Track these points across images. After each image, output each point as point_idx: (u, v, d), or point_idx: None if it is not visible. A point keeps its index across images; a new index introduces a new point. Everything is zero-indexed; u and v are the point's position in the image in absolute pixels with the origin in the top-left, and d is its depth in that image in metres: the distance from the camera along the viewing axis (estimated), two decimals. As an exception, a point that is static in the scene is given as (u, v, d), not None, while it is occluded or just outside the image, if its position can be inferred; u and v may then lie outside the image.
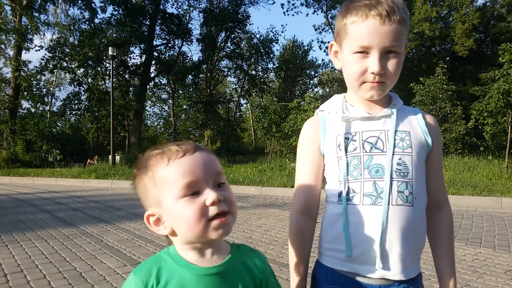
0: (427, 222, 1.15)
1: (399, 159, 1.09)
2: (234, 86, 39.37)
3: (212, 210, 0.83)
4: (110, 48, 17.95)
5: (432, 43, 25.51)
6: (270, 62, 34.16)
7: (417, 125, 1.15)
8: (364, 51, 1.07)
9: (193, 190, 0.84)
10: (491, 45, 24.90)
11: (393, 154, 1.09)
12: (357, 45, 1.07)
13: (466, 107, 16.70)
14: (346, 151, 1.12)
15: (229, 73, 35.52)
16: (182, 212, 0.84)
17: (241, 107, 42.92)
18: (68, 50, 26.05)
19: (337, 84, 33.79)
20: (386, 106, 1.16)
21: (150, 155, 0.90)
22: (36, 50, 25.79)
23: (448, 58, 25.37)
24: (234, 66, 33.89)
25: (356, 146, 1.11)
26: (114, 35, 26.17)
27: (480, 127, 15.15)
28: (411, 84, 14.60)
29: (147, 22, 28.06)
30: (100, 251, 4.41)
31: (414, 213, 1.07)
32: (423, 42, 25.09)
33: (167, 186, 0.85)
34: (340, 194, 1.11)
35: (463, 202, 7.34)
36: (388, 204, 1.05)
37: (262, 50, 32.52)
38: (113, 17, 26.73)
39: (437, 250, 1.16)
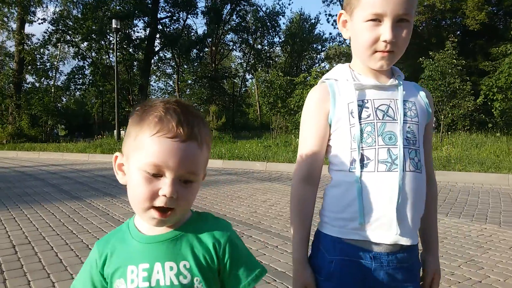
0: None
1: (409, 127, 1.11)
2: (240, 60, 39.02)
3: (159, 201, 0.82)
4: (113, 21, 17.71)
5: (443, 16, 24.90)
6: (276, 36, 33.70)
7: (419, 97, 1.18)
8: (377, 19, 1.06)
9: (154, 172, 0.81)
10: (504, 18, 24.27)
11: (404, 123, 1.11)
12: (370, 13, 1.06)
13: (475, 82, 16.44)
14: (360, 118, 1.11)
15: (234, 47, 35.14)
16: (136, 184, 0.83)
17: (247, 82, 42.58)
18: (71, 23, 25.73)
19: (344, 58, 33.31)
20: (391, 77, 1.17)
21: (154, 109, 0.85)
22: (39, 23, 25.68)
23: (458, 32, 24.80)
24: (240, 40, 33.48)
25: (369, 113, 1.11)
26: (117, 7, 25.78)
27: (489, 103, 14.96)
28: (420, 58, 14.32)
29: (151, -6, 27.58)
30: (106, 224, 4.44)
31: (422, 179, 1.11)
32: (434, 16, 24.51)
33: (139, 152, 0.83)
34: (353, 162, 1.10)
35: (469, 179, 7.30)
36: (404, 171, 1.07)
37: (268, 24, 32.02)
38: (117, -12, 26.28)
39: (425, 216, 1.18)
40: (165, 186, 0.81)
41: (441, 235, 3.98)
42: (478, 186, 6.93)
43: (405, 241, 1.08)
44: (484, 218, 4.68)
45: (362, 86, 1.14)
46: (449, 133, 13.84)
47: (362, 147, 1.10)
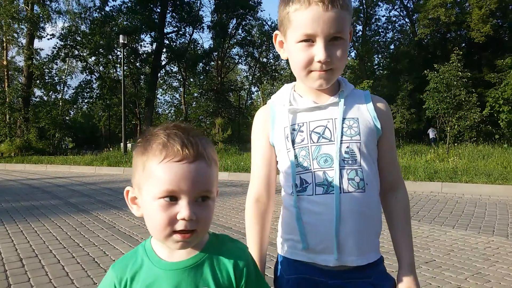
0: (382, 204, 1.16)
1: (347, 147, 1.08)
2: (245, 73, 39.25)
3: (180, 225, 0.82)
4: (121, 36, 17.98)
5: (448, 29, 25.03)
6: (282, 50, 33.86)
7: (365, 111, 1.13)
8: (309, 40, 1.04)
9: (171, 196, 0.82)
10: (509, 30, 24.33)
11: (341, 143, 1.08)
12: (301, 34, 1.04)
13: (481, 94, 16.43)
14: (293, 142, 1.11)
15: (240, 60, 35.39)
16: (154, 213, 0.83)
17: (252, 95, 42.81)
18: (79, 38, 26.16)
19: (349, 71, 33.44)
20: (335, 92, 1.14)
21: (156, 137, 0.86)
22: (48, 39, 25.95)
23: (463, 45, 24.87)
24: (245, 53, 33.74)
25: (303, 137, 1.10)
26: (125, 22, 26.20)
27: (495, 114, 14.92)
28: (425, 71, 14.34)
29: (158, 10, 27.97)
30: (112, 237, 4.46)
31: (367, 199, 1.07)
32: (438, 28, 24.65)
33: (151, 182, 0.83)
34: (293, 185, 1.10)
35: (476, 191, 7.25)
36: (340, 192, 1.05)
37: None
38: (124, 4, 26.74)
39: (394, 230, 1.15)
40: (182, 209, 0.81)
41: (448, 247, 3.95)
42: (485, 198, 6.88)
43: (351, 263, 1.05)
44: (491, 230, 4.63)
45: (296, 110, 1.13)
46: (456, 144, 13.78)
47: (299, 171, 1.09)
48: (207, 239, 0.93)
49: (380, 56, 34.52)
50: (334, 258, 1.05)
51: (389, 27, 32.54)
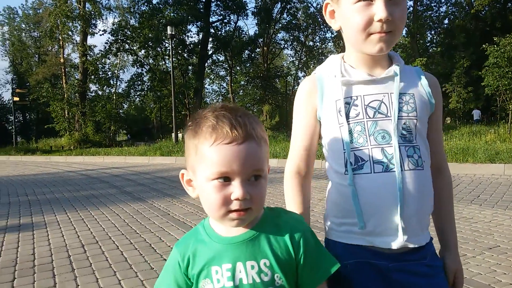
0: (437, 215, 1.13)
1: (404, 123, 1.03)
2: (292, 58, 38.85)
3: (234, 204, 0.84)
4: (168, 27, 18.35)
5: (508, -2, 23.30)
6: (328, 31, 33.12)
7: (421, 87, 1.08)
8: None
9: (224, 177, 0.84)
10: None
11: (398, 119, 1.02)
12: None
13: (547, 67, 15.17)
14: (348, 117, 1.04)
15: (285, 45, 35.04)
16: (208, 194, 0.86)
17: (299, 80, 42.30)
18: (129, 33, 27.01)
19: (400, 50, 32.12)
20: (388, 66, 1.08)
21: (205, 120, 0.87)
22: (100, 35, 27.17)
23: (526, 14, 23.08)
24: (291, 38, 33.35)
25: (358, 112, 1.04)
26: (171, 14, 26.66)
27: None
28: (483, 45, 13.45)
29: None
30: (167, 223, 4.59)
31: (425, 176, 1.03)
32: (497, -2, 22.98)
33: (204, 164, 0.85)
34: (346, 163, 1.03)
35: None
36: (402, 170, 1.00)
37: (319, 19, 31.57)
38: (170, -4, 27.19)
39: (439, 211, 1.12)
40: (236, 189, 0.83)
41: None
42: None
43: (414, 243, 1.01)
44: None
45: (350, 82, 1.06)
46: (519, 123, 12.88)
47: (355, 148, 1.03)
48: (262, 213, 0.94)
49: (433, 32, 32.78)
50: (398, 240, 0.99)
51: (443, 0, 30.80)
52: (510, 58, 12.33)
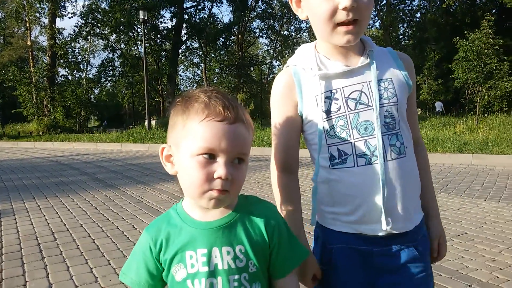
0: None
1: (386, 111, 1.02)
2: (266, 47, 38.74)
3: (216, 183, 0.83)
4: (141, 12, 17.90)
5: (477, -6, 23.88)
6: (303, 21, 33.14)
7: (397, 69, 1.06)
8: None
9: (210, 154, 0.84)
10: (543, -6, 22.99)
11: (380, 107, 1.01)
12: None
13: (513, 62, 15.70)
14: (329, 112, 1.02)
15: (260, 34, 34.87)
16: (191, 170, 0.85)
17: (274, 69, 42.28)
18: (100, 16, 26.20)
19: (373, 42, 32.46)
20: (362, 52, 1.06)
21: (197, 98, 0.87)
22: (69, 17, 26.11)
23: (494, 11, 23.72)
24: (266, 26, 33.23)
25: (339, 105, 1.02)
26: (144, -2, 26.00)
27: (528, 83, 14.26)
28: (454, 39, 13.77)
29: (177, -16, 27.65)
30: (140, 211, 4.52)
31: (408, 162, 1.03)
32: (467, -6, 23.53)
33: (191, 138, 0.85)
34: (331, 158, 1.03)
35: (508, 162, 7.01)
36: (384, 161, 1.00)
37: (294, 9, 31.54)
38: (143, -21, 26.49)
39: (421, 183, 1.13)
40: (219, 168, 0.83)
41: (480, 220, 3.84)
42: (518, 170, 6.65)
43: (400, 229, 1.02)
44: (525, 203, 4.48)
45: (327, 75, 1.03)
46: (486, 115, 13.33)
47: (338, 142, 1.02)
48: (237, 200, 0.94)
49: (405, 25, 33.33)
50: (383, 228, 1.00)
51: (415, -6, 31.31)
52: (479, 52, 12.70)
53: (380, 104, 1.01)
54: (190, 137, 0.85)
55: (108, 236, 3.62)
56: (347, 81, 1.03)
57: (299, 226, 1.08)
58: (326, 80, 1.03)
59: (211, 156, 0.84)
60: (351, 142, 1.01)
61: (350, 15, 0.95)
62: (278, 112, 1.10)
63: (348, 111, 1.01)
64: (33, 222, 4.15)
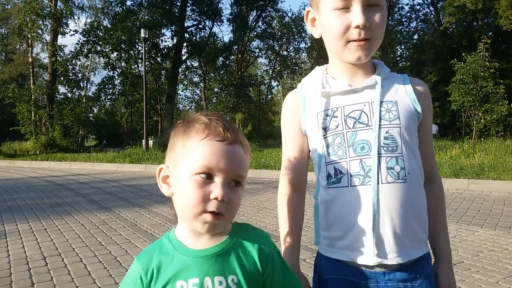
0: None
1: (386, 132, 1.00)
2: (265, 67, 39.09)
3: (211, 205, 0.83)
4: (142, 30, 18.10)
5: (474, 17, 24.26)
6: (302, 42, 33.61)
7: (404, 93, 1.05)
8: (345, 6, 0.98)
9: (207, 173, 0.84)
10: (538, 18, 23.38)
11: (379, 128, 1.00)
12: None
13: (509, 86, 15.87)
14: (328, 129, 1.04)
15: (260, 54, 35.24)
16: (188, 190, 0.84)
17: (273, 90, 42.61)
18: (101, 34, 26.50)
19: (370, 63, 32.78)
20: (371, 74, 1.07)
21: (198, 119, 0.89)
22: (71, 35, 26.60)
23: (491, 33, 24.07)
24: (266, 46, 33.60)
25: (338, 123, 1.03)
26: (146, 17, 26.37)
27: (524, 107, 14.36)
28: (452, 61, 13.90)
29: (178, 3, 28.05)
30: (134, 235, 4.48)
31: (409, 190, 0.98)
32: (464, 17, 23.90)
33: (190, 157, 0.85)
34: (328, 176, 1.03)
35: (505, 188, 6.99)
36: (378, 183, 0.97)
37: (294, 29, 32.00)
38: (145, -2, 26.92)
39: (430, 223, 1.07)
40: (216, 188, 0.83)
41: (476, 248, 3.81)
42: (515, 195, 6.63)
43: (391, 261, 0.97)
44: (522, 230, 4.46)
45: (329, 93, 1.06)
46: (482, 139, 13.37)
47: (334, 161, 1.02)
48: (230, 227, 0.93)
49: (403, 46, 33.77)
50: (372, 255, 0.97)
51: (413, 16, 31.76)
52: (475, 76, 12.81)
53: (380, 125, 1.00)
54: (189, 156, 0.85)
55: (101, 262, 3.57)
56: (349, 100, 1.04)
57: (293, 252, 1.10)
58: (328, 98, 1.06)
59: (209, 176, 0.84)
60: (346, 161, 1.00)
61: (362, 33, 0.98)
62: (285, 133, 1.15)
63: (346, 129, 1.02)
64: (25, 246, 4.10)
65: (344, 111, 1.03)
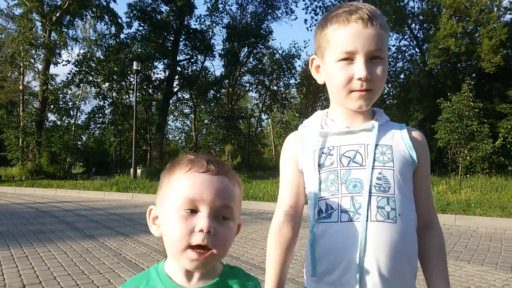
0: (428, 273, 1.07)
1: (379, 173, 1.03)
2: (256, 101, 39.51)
3: (197, 238, 0.79)
4: (134, 62, 18.31)
5: (458, 59, 25.07)
6: (292, 78, 34.15)
7: (400, 139, 1.09)
8: (349, 58, 1.03)
9: (190, 207, 0.81)
10: (520, 61, 24.26)
11: (372, 168, 1.03)
12: (341, 51, 1.03)
13: (493, 125, 16.27)
14: (323, 166, 1.07)
15: (250, 88, 35.68)
16: (173, 225, 0.82)
17: (262, 123, 42.88)
18: (94, 65, 26.70)
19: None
20: (369, 120, 1.12)
21: (184, 157, 0.90)
22: (64, 65, 26.51)
23: (474, 75, 24.83)
24: (256, 81, 34.06)
25: (333, 161, 1.07)
26: (139, 50, 26.72)
27: (508, 146, 14.71)
28: (438, 100, 14.27)
29: (171, 38, 28.56)
30: (118, 264, 4.38)
31: (398, 231, 0.99)
32: (448, 58, 24.69)
33: (174, 192, 0.84)
34: (319, 212, 1.05)
35: (491, 224, 7.05)
36: (367, 220, 0.99)
37: (284, 66, 32.62)
38: (138, 32, 27.39)
39: (429, 272, 1.06)
40: (201, 220, 0.80)
41: (464, 284, 3.80)
42: (500, 232, 6.67)
43: None
44: (509, 267, 4.46)
45: (327, 133, 1.10)
46: (468, 176, 13.53)
47: (325, 197, 1.05)
48: (221, 268, 0.90)
49: (390, 85, 34.59)
50: None
51: (399, 56, 32.67)
52: (460, 115, 13.13)
53: (373, 165, 1.03)
54: (173, 191, 0.84)
55: (82, 291, 3.48)
56: (345, 141, 1.08)
57: (272, 284, 1.09)
58: (325, 138, 1.10)
59: (193, 211, 0.81)
60: (338, 197, 1.03)
61: (364, 85, 1.03)
62: (283, 170, 1.17)
63: (340, 167, 1.05)
64: (4, 273, 3.98)
65: (340, 150, 1.07)
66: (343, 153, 1.06)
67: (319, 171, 1.06)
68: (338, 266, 1.00)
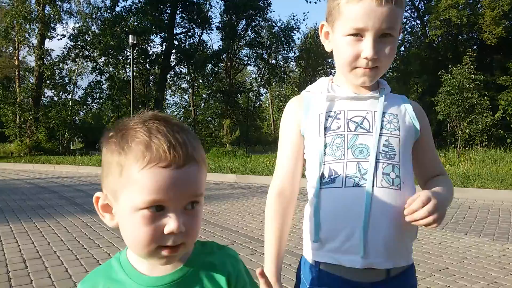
0: (428, 186, 1.07)
1: (386, 140, 1.03)
2: (254, 75, 39.20)
3: (166, 239, 0.69)
4: (130, 36, 18.02)
5: (459, 31, 24.71)
6: (291, 51, 33.78)
7: (404, 110, 1.10)
8: (358, 34, 1.00)
9: (157, 205, 0.69)
10: (522, 33, 23.94)
11: (380, 135, 1.03)
12: (350, 27, 1.00)
13: (493, 97, 16.19)
14: (329, 129, 1.05)
15: (249, 62, 35.33)
16: (135, 226, 0.69)
17: (261, 97, 42.68)
18: (89, 39, 26.31)
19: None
20: (374, 89, 1.11)
21: (134, 133, 0.71)
22: (59, 39, 26.12)
23: (475, 47, 24.54)
24: (255, 55, 33.67)
25: (340, 125, 1.05)
26: (135, 23, 26.27)
27: (508, 118, 14.68)
28: (439, 72, 14.13)
29: (167, 10, 28.05)
30: (117, 238, 4.41)
31: (402, 198, 0.99)
32: (450, 30, 24.34)
33: (131, 190, 0.69)
34: (322, 177, 1.03)
35: (489, 196, 7.09)
36: (373, 186, 0.98)
37: (283, 39, 32.17)
38: (134, 5, 26.83)
39: (430, 185, 1.06)
40: (171, 221, 0.68)
41: (461, 255, 3.84)
42: (498, 204, 6.72)
43: (379, 265, 0.97)
44: (505, 238, 4.50)
45: (334, 97, 1.09)
46: (467, 148, 13.56)
47: (331, 161, 1.02)
48: (192, 247, 0.79)
49: (390, 58, 34.30)
50: (359, 258, 0.96)
51: (400, 29, 32.35)
52: (461, 87, 13.04)
53: (380, 132, 1.03)
54: (130, 188, 0.69)
55: (82, 265, 3.50)
56: (353, 106, 1.07)
57: (274, 262, 1.07)
58: (332, 102, 1.09)
59: (159, 208, 0.69)
60: (343, 162, 1.01)
61: (370, 64, 1.01)
62: (283, 134, 1.14)
63: (348, 131, 1.04)
64: (4, 248, 4.00)
65: (347, 115, 1.06)
66: (350, 118, 1.05)
67: (324, 134, 1.04)
68: (341, 232, 0.99)
